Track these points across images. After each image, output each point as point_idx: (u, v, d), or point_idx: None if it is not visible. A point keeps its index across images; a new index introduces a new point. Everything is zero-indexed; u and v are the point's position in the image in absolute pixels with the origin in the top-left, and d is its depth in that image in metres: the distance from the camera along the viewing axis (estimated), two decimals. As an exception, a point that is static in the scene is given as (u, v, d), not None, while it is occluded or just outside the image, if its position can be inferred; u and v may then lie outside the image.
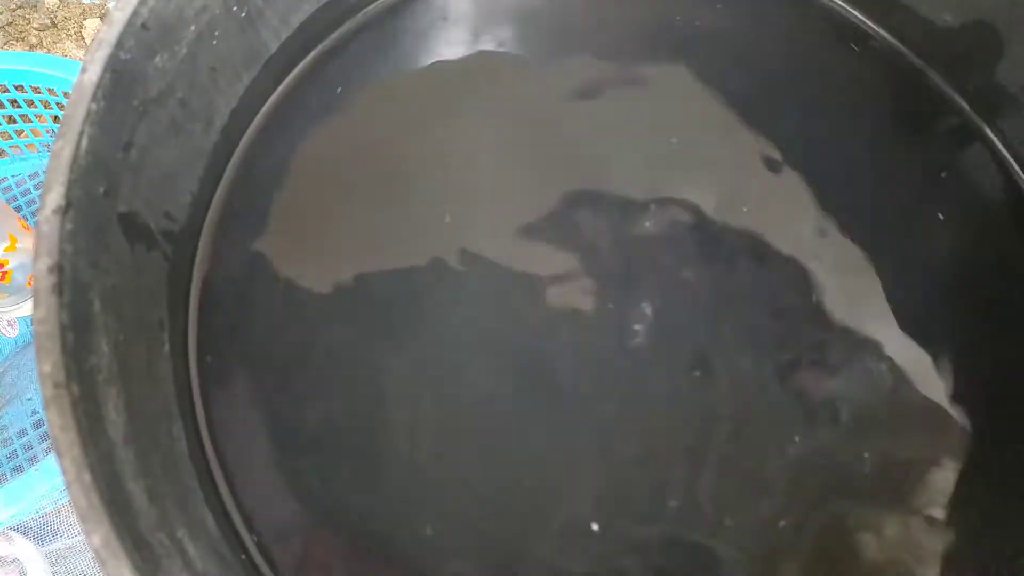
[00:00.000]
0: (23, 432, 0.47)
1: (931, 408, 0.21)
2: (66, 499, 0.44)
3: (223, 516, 0.19)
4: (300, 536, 0.20)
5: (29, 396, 0.47)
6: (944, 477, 0.20)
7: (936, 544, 0.20)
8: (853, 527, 0.20)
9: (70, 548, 0.44)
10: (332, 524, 0.20)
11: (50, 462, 0.36)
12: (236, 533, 0.19)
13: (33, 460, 0.46)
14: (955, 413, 0.20)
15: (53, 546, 0.44)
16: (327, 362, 0.21)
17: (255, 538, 0.19)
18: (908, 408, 0.21)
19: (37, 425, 0.47)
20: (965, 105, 0.24)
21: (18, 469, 0.46)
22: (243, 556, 0.19)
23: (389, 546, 0.19)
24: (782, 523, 0.19)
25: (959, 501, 0.20)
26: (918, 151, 0.24)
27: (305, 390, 0.21)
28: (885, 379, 0.21)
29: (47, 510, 0.45)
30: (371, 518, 0.20)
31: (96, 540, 0.14)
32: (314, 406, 0.21)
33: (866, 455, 0.20)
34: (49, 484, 0.36)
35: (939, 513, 0.20)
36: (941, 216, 0.22)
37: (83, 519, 0.14)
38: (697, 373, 0.20)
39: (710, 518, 0.19)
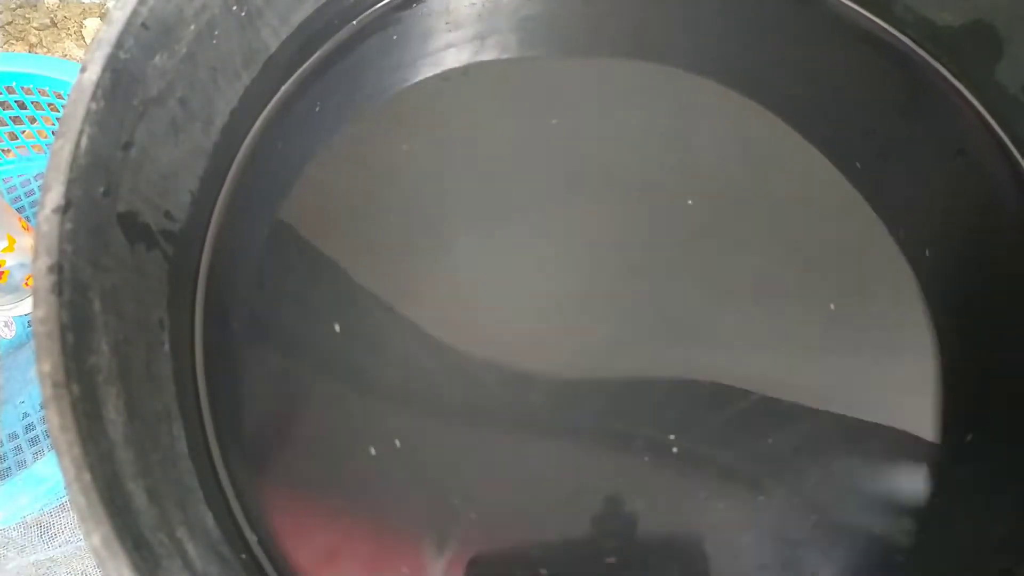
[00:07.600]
0: (13, 436, 0.46)
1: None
2: (56, 504, 0.43)
3: (223, 516, 0.19)
4: (300, 534, 0.19)
5: (21, 400, 0.47)
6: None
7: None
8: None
9: (66, 555, 0.44)
10: (334, 522, 0.20)
11: (39, 467, 0.36)
12: (236, 533, 0.19)
13: (22, 464, 0.45)
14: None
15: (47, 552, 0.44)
16: (330, 360, 0.21)
17: (255, 537, 0.19)
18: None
19: (28, 429, 0.46)
20: (975, 100, 0.24)
21: (6, 473, 0.45)
22: (243, 556, 0.19)
23: (391, 543, 0.19)
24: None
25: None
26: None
27: (307, 387, 0.21)
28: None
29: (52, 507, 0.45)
30: (373, 517, 0.20)
31: (96, 540, 0.14)
32: (316, 403, 0.21)
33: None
34: (38, 490, 0.35)
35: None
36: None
37: (83, 519, 0.14)
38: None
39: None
